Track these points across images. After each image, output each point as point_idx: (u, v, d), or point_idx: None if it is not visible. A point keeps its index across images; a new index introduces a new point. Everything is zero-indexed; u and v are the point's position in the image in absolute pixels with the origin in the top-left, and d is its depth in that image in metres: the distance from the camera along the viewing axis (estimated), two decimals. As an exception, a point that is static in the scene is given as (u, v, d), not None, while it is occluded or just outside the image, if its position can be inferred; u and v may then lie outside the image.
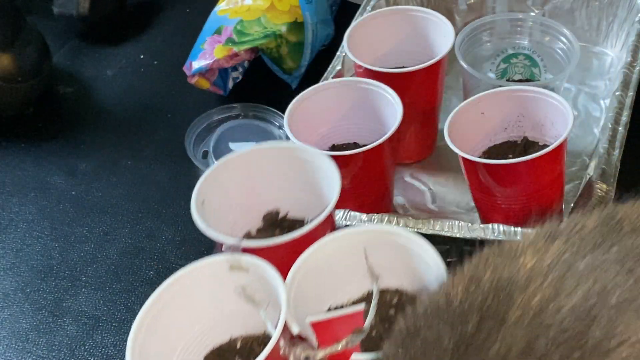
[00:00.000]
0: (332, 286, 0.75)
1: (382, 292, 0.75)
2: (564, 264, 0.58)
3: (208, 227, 0.75)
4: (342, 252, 0.73)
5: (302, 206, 0.83)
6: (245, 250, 0.72)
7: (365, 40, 1.01)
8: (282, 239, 0.73)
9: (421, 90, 0.98)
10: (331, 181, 0.78)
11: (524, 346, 0.55)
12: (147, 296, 0.94)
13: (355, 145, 0.97)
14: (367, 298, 0.76)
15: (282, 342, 0.64)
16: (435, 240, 0.92)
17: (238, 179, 0.81)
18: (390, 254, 0.74)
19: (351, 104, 0.96)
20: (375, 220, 0.89)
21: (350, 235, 0.74)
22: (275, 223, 0.84)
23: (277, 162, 0.82)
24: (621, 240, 0.59)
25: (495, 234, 0.87)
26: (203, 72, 1.12)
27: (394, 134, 0.90)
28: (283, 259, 0.72)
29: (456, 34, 1.01)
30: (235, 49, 1.11)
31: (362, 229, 0.74)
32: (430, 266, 0.71)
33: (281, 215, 0.84)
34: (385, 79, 0.95)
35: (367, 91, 0.95)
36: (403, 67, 1.01)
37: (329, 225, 0.78)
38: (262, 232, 0.83)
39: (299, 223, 0.84)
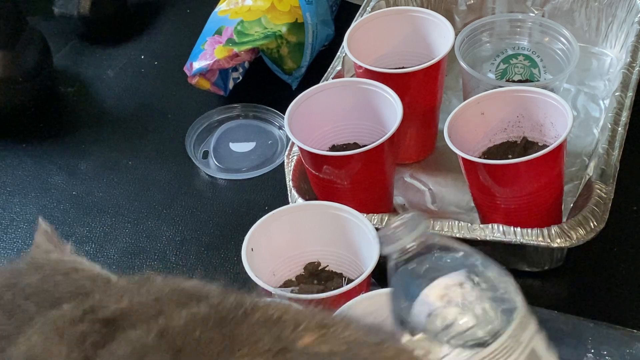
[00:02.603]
0: None
1: None
2: None
3: (256, 276, 0.81)
4: (372, 312, 0.76)
5: (341, 263, 0.88)
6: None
7: (365, 40, 1.02)
8: (319, 296, 0.79)
9: (421, 90, 0.98)
10: (370, 246, 0.82)
11: None
12: (147, 296, 0.95)
13: (355, 145, 0.97)
14: None
15: None
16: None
17: (286, 230, 0.87)
18: None
19: (351, 104, 0.97)
20: (375, 220, 0.89)
21: (382, 296, 0.77)
22: (314, 273, 0.88)
23: (324, 220, 0.87)
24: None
25: (495, 234, 0.87)
26: (203, 73, 1.12)
27: (394, 134, 0.90)
28: None
29: (456, 35, 1.01)
30: (235, 49, 1.11)
31: None
32: None
33: (321, 267, 0.88)
34: (385, 79, 0.95)
35: (367, 91, 0.95)
36: (403, 67, 1.01)
37: (364, 286, 0.82)
38: (302, 280, 0.88)
39: (337, 276, 0.87)
